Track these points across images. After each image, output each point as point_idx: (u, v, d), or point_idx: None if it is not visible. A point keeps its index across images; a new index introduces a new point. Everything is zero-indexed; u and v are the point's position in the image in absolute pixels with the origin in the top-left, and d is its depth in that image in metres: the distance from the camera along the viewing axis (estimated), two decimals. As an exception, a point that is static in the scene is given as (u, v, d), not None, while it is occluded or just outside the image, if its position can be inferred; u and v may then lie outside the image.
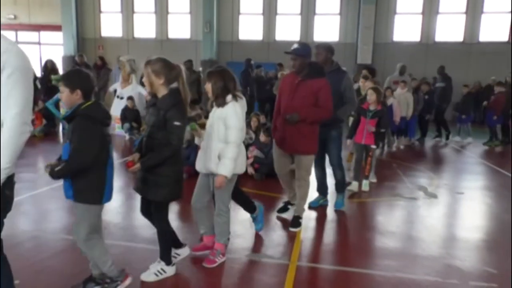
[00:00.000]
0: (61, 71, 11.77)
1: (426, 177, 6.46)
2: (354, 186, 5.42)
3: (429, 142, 9.72)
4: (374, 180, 5.84)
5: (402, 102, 8.42)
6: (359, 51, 14.02)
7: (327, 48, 4.42)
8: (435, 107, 9.71)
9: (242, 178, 5.78)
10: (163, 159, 2.76)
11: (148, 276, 2.99)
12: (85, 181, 2.50)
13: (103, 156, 2.54)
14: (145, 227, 4.06)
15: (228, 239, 3.39)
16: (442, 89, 10.20)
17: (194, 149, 5.83)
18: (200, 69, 12.36)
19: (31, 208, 4.44)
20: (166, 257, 3.04)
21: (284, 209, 4.44)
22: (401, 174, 6.55)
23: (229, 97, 3.12)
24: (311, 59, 3.96)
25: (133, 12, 15.41)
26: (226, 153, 3.08)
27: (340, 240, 4.03)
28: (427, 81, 10.71)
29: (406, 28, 14.30)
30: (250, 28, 14.87)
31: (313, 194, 4.64)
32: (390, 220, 4.61)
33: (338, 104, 4.21)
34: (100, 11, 15.62)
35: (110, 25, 15.62)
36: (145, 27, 15.40)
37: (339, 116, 4.37)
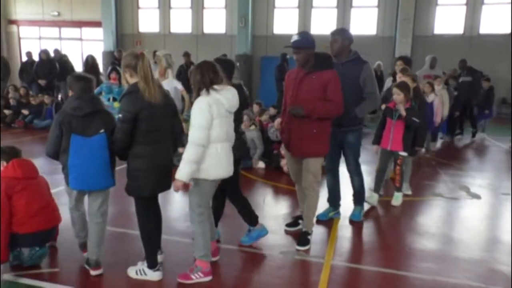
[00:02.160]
0: (101, 66, 12.15)
1: (467, 176, 6.18)
2: (372, 198, 4.67)
3: (455, 140, 9.30)
4: (409, 192, 5.08)
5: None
6: (397, 45, 13.58)
7: (344, 35, 3.86)
8: (462, 103, 9.11)
9: (275, 175, 5.83)
10: (117, 154, 2.88)
11: (131, 271, 2.97)
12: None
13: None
14: (179, 220, 4.12)
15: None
16: (469, 84, 9.54)
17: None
18: (237, 64, 12.38)
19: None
20: (148, 259, 2.91)
21: (294, 224, 3.94)
22: (441, 173, 6.30)
23: (203, 91, 2.78)
24: (314, 50, 3.44)
25: (169, 7, 15.63)
26: (184, 154, 2.73)
27: (376, 240, 3.92)
28: (455, 75, 9.95)
29: (448, 20, 13.70)
30: (285, 22, 14.74)
31: (323, 205, 4.06)
32: (429, 221, 4.44)
33: (357, 100, 3.74)
34: (138, 7, 15.94)
35: (148, 21, 15.93)
36: (181, 22, 15.61)
37: (357, 114, 3.80)
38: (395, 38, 13.71)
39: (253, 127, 6.33)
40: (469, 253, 3.55)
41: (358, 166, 4.09)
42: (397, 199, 4.74)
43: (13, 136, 8.31)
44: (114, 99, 9.62)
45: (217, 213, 3.45)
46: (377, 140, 4.74)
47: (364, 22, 14.13)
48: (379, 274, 3.18)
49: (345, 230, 4.00)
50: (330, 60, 3.54)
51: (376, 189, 4.73)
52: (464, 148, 8.74)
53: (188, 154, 2.71)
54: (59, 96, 11.21)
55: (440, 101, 7.16)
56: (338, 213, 4.25)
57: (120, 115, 2.74)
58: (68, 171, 2.84)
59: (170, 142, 2.95)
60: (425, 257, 3.49)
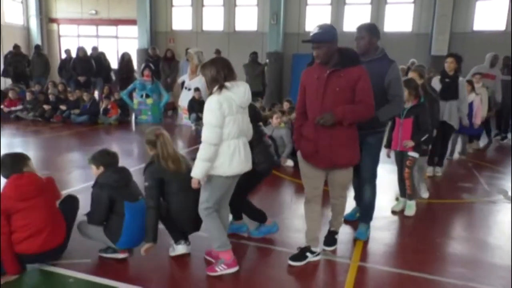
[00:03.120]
0: (135, 64, 12.44)
1: (506, 179, 5.90)
2: (397, 205, 4.47)
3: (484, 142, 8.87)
4: (425, 195, 4.82)
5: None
6: (433, 42, 13.13)
7: (372, 31, 3.50)
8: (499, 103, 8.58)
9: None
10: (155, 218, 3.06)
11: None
12: None
13: None
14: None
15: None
16: (508, 83, 8.95)
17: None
18: (267, 61, 12.37)
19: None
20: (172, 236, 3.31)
21: (332, 241, 3.51)
22: (477, 175, 6.05)
23: (215, 88, 2.81)
24: (337, 44, 3.04)
25: (202, 5, 15.79)
26: (198, 153, 2.82)
27: (406, 242, 3.81)
28: (492, 74, 9.35)
29: (488, 16, 13.12)
30: (317, 19, 14.56)
31: (350, 205, 3.75)
32: (463, 224, 4.27)
33: (380, 102, 3.28)
34: (171, 5, 16.20)
35: (181, 19, 16.17)
36: (213, 20, 15.74)
37: (379, 117, 3.34)
38: (431, 35, 13.26)
39: (282, 124, 6.32)
40: (506, 260, 3.39)
41: (374, 174, 3.62)
42: (410, 208, 4.33)
43: (51, 130, 8.65)
44: (147, 96, 9.85)
45: (242, 206, 3.50)
46: (389, 143, 4.40)
47: (399, 19, 13.75)
48: (408, 277, 3.09)
49: (373, 231, 3.90)
50: (357, 55, 3.17)
51: (401, 192, 4.47)
52: (503, 150, 8.36)
53: (201, 153, 2.79)
54: (96, 92, 11.59)
55: (480, 101, 6.78)
56: None
57: (146, 183, 3.05)
58: (121, 233, 3.05)
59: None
60: (458, 262, 3.36)
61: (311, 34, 3.06)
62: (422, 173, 4.87)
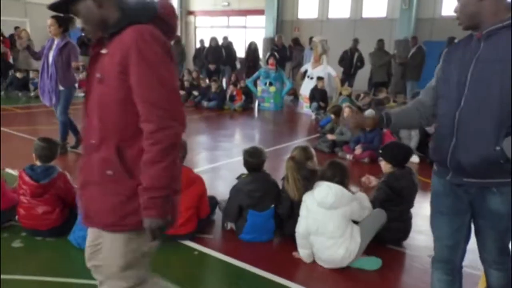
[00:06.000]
0: (260, 52, 12.89)
1: None
2: None
3: None
4: None
5: None
6: None
7: None
8: None
9: (429, 170, 5.26)
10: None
11: None
12: None
13: None
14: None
15: None
16: None
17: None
18: (395, 51, 11.61)
19: (228, 174, 5.07)
20: None
21: None
22: None
23: None
24: None
25: (329, -8, 15.56)
26: None
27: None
28: None
29: None
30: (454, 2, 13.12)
31: None
32: None
33: (505, 118, 1.77)
34: (299, -6, 16.31)
35: (307, 7, 16.17)
36: (340, 7, 15.37)
37: (505, 150, 1.76)
38: None
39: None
40: None
41: (506, 254, 2.06)
42: None
43: (185, 114, 9.53)
44: (270, 84, 10.14)
45: None
46: None
47: None
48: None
49: None
50: None
51: None
52: None
53: None
54: (224, 80, 12.37)
55: None
56: None
57: None
58: (242, 231, 3.33)
59: None
60: None
61: None
62: None
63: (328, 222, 2.86)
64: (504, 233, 1.97)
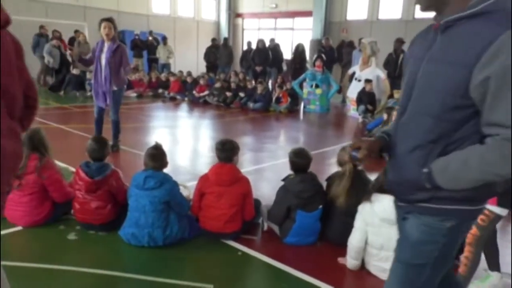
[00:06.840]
0: (307, 54, 12.80)
1: None
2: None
3: None
4: None
5: None
6: None
7: None
8: None
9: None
10: None
11: None
12: None
13: None
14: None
15: None
16: None
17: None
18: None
19: (272, 175, 5.06)
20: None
21: None
22: None
23: None
24: None
25: (380, -7, 15.16)
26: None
27: None
28: None
29: None
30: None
31: None
32: None
33: (447, 130, 1.43)
34: (348, -5, 16.03)
35: (356, 8, 15.85)
36: (391, 8, 14.93)
37: (436, 179, 1.41)
38: None
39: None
40: None
41: None
42: None
43: (231, 115, 9.63)
44: (317, 86, 10.03)
45: None
46: None
47: None
48: None
49: None
50: None
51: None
52: None
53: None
54: (270, 82, 12.40)
55: None
56: None
57: None
58: (288, 234, 3.28)
59: None
60: None
61: None
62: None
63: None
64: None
